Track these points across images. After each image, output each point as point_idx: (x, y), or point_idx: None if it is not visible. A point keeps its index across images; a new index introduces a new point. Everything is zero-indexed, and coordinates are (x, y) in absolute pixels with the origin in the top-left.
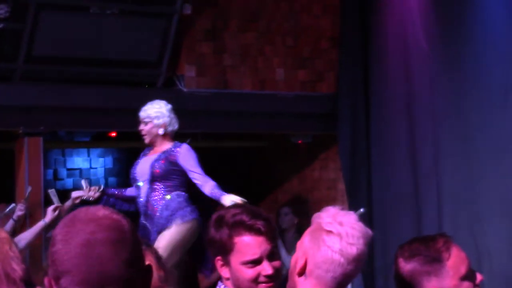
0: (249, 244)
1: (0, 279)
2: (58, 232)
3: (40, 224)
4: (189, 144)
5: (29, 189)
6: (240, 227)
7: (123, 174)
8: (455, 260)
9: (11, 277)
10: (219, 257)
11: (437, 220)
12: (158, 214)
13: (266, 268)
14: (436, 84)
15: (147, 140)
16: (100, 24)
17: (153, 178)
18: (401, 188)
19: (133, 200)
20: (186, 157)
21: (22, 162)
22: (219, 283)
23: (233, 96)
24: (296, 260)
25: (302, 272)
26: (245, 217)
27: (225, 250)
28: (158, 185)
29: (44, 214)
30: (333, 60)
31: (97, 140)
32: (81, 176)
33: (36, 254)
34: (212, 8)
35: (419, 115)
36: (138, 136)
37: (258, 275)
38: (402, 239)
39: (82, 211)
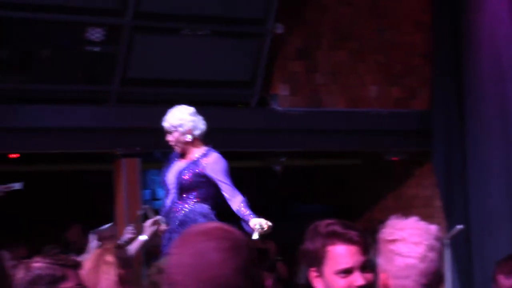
0: (341, 253)
1: None
2: (172, 247)
3: (140, 240)
4: (283, 163)
5: (141, 211)
6: (334, 236)
7: None
8: None
9: None
10: (313, 268)
11: None
12: (177, 223)
13: (358, 278)
14: None
15: (178, 149)
16: (193, 45)
17: (179, 188)
18: (498, 204)
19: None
20: (213, 167)
21: (120, 183)
22: None
23: (326, 115)
24: (380, 280)
25: None
26: (338, 227)
27: (319, 260)
28: (184, 196)
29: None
30: (426, 76)
31: None
32: None
33: (136, 270)
34: (303, 27)
35: None
36: (233, 155)
37: (350, 285)
38: (500, 255)
39: (195, 226)
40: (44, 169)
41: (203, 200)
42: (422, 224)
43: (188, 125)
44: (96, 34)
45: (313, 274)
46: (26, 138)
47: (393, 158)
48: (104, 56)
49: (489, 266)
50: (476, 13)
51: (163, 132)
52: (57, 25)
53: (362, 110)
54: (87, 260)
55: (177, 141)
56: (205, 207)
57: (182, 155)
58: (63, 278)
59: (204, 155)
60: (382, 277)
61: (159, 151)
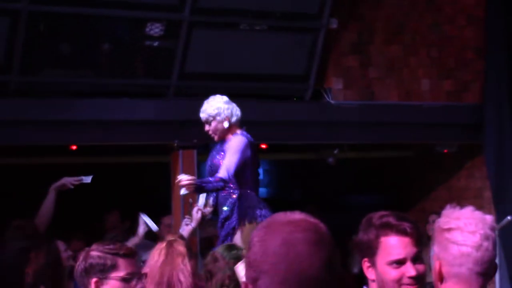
0: (394, 244)
1: (162, 285)
2: (255, 234)
3: (188, 228)
4: (336, 155)
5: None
6: (387, 228)
7: (274, 185)
8: None
9: (173, 287)
10: (366, 259)
11: None
12: (221, 215)
13: (410, 269)
14: None
15: (216, 138)
16: (250, 40)
17: (211, 172)
18: None
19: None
20: (229, 145)
21: (177, 174)
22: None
23: (379, 108)
24: (434, 268)
25: (441, 277)
26: (392, 219)
27: (372, 250)
28: None
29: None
30: (479, 70)
31: None
32: None
33: None
34: (357, 22)
35: None
36: (288, 148)
37: (402, 276)
38: None
39: (279, 215)
40: (103, 161)
41: (239, 186)
42: (478, 214)
43: (225, 113)
44: (155, 29)
45: (366, 264)
46: (88, 130)
47: (445, 150)
48: (162, 51)
49: None
50: None
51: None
52: (117, 20)
53: (414, 103)
54: (156, 253)
55: (215, 129)
56: (248, 196)
57: (222, 142)
58: (113, 267)
59: (235, 134)
60: (436, 264)
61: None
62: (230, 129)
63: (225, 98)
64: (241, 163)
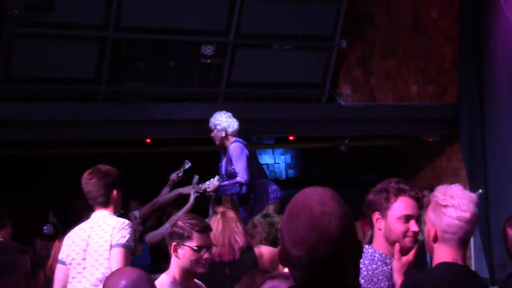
0: (407, 204)
1: (225, 245)
2: (287, 217)
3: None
4: (346, 144)
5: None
6: (403, 191)
7: (299, 168)
8: None
9: (233, 246)
10: (377, 212)
11: None
12: (241, 207)
13: (414, 225)
14: None
15: (217, 142)
16: (280, 57)
17: (227, 176)
18: (510, 174)
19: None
20: (231, 152)
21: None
22: (365, 246)
23: (379, 107)
24: (428, 230)
25: (435, 239)
26: (406, 186)
27: (386, 206)
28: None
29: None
30: (455, 77)
31: (279, 142)
32: (268, 169)
33: None
34: (362, 41)
35: None
36: (310, 139)
37: (407, 230)
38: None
39: (307, 195)
40: (170, 150)
41: (251, 177)
42: (467, 193)
43: (223, 125)
44: (208, 50)
45: (376, 216)
46: (158, 127)
47: (430, 139)
48: (214, 66)
49: (503, 221)
50: (493, 28)
51: (257, 121)
52: (179, 43)
53: (406, 103)
54: (215, 223)
55: (215, 136)
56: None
57: (225, 148)
58: (188, 238)
59: (231, 144)
60: (431, 229)
61: (255, 135)
62: (227, 138)
63: (228, 114)
64: (247, 162)
